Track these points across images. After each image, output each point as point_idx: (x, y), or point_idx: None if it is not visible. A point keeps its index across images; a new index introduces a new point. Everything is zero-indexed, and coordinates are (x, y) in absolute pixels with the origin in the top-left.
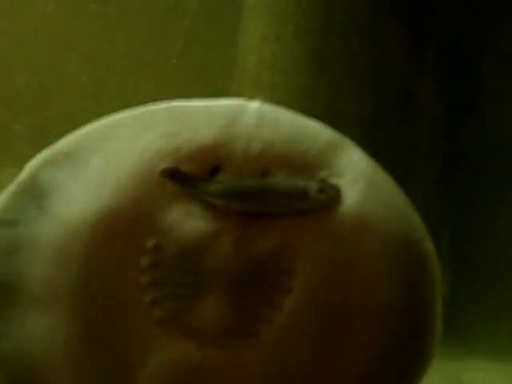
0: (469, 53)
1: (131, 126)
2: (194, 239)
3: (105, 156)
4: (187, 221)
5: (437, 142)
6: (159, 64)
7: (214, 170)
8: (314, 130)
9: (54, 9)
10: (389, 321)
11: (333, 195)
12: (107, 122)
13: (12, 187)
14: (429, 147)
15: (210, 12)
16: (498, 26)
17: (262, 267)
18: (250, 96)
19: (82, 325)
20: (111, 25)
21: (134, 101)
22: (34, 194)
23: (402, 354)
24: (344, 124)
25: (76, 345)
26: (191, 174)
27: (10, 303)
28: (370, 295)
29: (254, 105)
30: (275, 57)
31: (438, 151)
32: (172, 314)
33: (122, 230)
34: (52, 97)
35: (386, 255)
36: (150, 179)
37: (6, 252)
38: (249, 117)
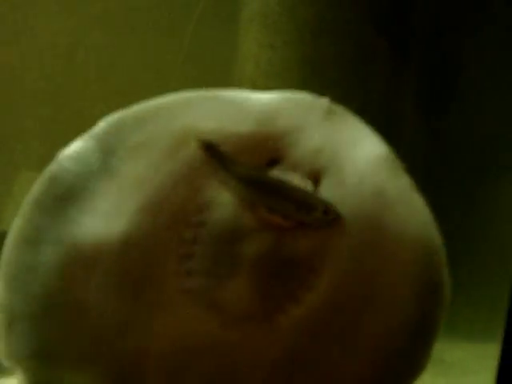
0: (448, 56)
1: (198, 107)
2: (238, 225)
3: (170, 133)
4: (238, 206)
5: (420, 137)
6: (164, 71)
7: (272, 162)
8: (372, 146)
9: (64, 16)
10: (401, 332)
11: (332, 220)
12: (175, 99)
13: (83, 139)
14: (413, 142)
15: (210, 23)
16: (475, 34)
17: (294, 263)
18: None
19: (118, 277)
20: (117, 33)
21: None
22: (103, 149)
23: (408, 360)
24: None
25: (111, 295)
26: (224, 154)
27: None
28: (387, 305)
29: (323, 101)
30: (270, 64)
31: (422, 145)
32: (201, 288)
33: (174, 200)
34: (63, 96)
35: (407, 275)
36: (204, 159)
37: (61, 198)
38: (317, 111)
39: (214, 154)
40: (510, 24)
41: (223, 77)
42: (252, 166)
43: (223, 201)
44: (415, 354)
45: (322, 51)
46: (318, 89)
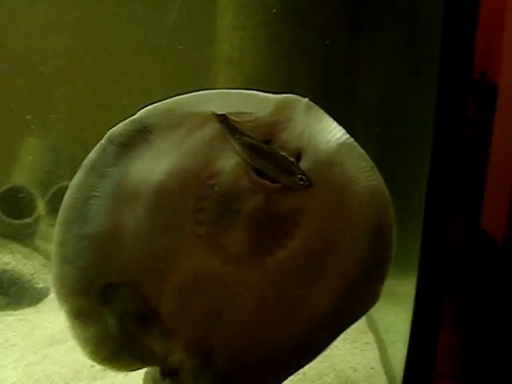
0: (402, 31)
1: (218, 98)
2: (238, 188)
3: (193, 117)
4: (239, 174)
5: (375, 106)
6: (152, 48)
7: (266, 142)
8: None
9: (68, 13)
10: (358, 270)
11: (305, 185)
12: (201, 93)
13: (128, 121)
14: (368, 110)
15: (191, 8)
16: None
17: (279, 218)
18: (226, 73)
19: (150, 218)
20: (109, 21)
21: (129, 80)
22: (143, 128)
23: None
24: (297, 94)
25: (144, 231)
26: (234, 126)
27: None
28: (348, 249)
29: (305, 100)
30: (243, 42)
31: (376, 113)
32: (209, 234)
33: (193, 168)
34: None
35: (363, 228)
36: (221, 138)
37: (110, 162)
38: (300, 107)
39: (227, 125)
40: None
41: (204, 54)
42: (253, 137)
43: (229, 170)
44: (369, 287)
45: (286, 30)
46: (283, 62)
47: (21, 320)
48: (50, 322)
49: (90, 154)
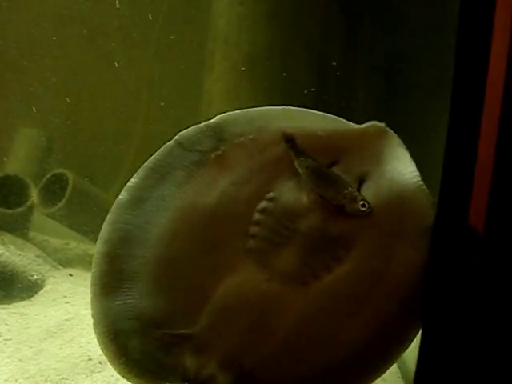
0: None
1: (291, 119)
2: (297, 206)
3: (265, 134)
4: (299, 193)
5: (371, 80)
6: (148, 28)
7: (332, 163)
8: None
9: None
10: (398, 309)
11: (366, 212)
12: (278, 109)
13: (201, 126)
14: (366, 85)
15: None
16: None
17: (331, 241)
18: (222, 51)
19: (205, 232)
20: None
21: (126, 65)
22: (215, 135)
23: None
24: (297, 72)
25: (197, 244)
26: (299, 147)
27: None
28: (392, 287)
29: (381, 126)
30: (240, 19)
31: (375, 88)
32: (260, 249)
33: (255, 181)
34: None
35: (411, 272)
36: (289, 157)
37: (172, 167)
38: (372, 134)
39: (292, 145)
40: None
41: (200, 31)
42: (317, 160)
43: (290, 188)
44: (408, 325)
45: (284, 7)
46: (282, 40)
47: (14, 313)
48: (45, 315)
49: (155, 154)
